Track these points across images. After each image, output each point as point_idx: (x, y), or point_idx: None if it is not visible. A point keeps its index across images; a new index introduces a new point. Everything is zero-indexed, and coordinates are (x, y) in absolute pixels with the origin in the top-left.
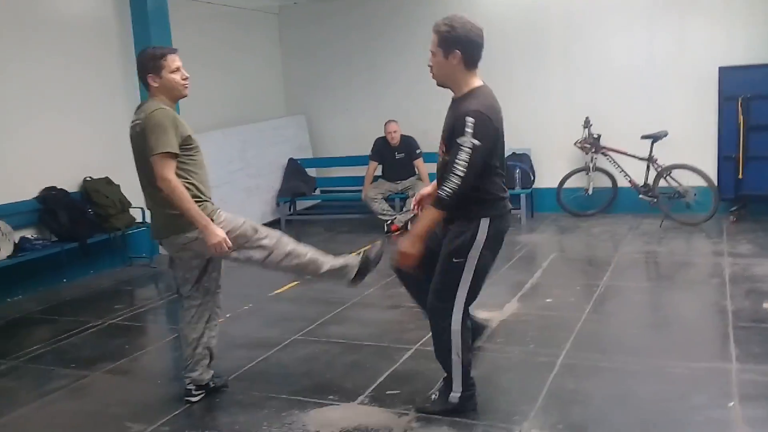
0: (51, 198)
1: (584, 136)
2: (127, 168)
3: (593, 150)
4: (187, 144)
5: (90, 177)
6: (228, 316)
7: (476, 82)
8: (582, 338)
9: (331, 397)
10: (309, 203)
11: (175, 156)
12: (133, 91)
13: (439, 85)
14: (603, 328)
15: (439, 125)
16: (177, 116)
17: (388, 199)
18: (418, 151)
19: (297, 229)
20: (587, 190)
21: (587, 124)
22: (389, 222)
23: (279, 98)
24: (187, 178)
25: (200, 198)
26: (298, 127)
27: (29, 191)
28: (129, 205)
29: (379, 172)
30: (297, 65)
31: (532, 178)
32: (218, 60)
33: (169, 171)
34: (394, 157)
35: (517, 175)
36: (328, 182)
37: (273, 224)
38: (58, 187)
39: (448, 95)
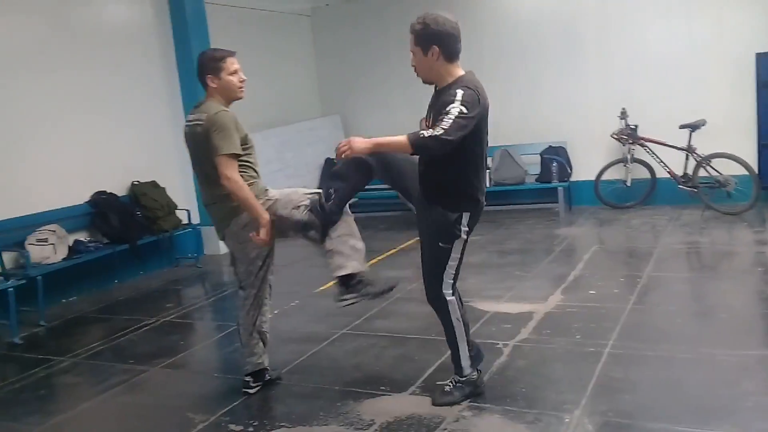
0: (102, 202)
1: (621, 127)
2: (171, 171)
3: (630, 141)
4: (244, 143)
5: (137, 181)
6: (276, 312)
7: (460, 71)
8: (628, 328)
9: (382, 388)
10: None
11: (237, 156)
12: (175, 97)
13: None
14: (648, 318)
15: None
16: (236, 118)
17: None
18: None
19: None
20: (625, 181)
21: (624, 115)
22: None
23: (314, 99)
24: (245, 172)
25: (254, 178)
26: (333, 127)
27: (82, 196)
28: (175, 206)
29: None
30: (330, 66)
31: (569, 171)
32: (254, 63)
33: (233, 170)
34: None
35: (553, 169)
36: None
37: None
38: (108, 191)
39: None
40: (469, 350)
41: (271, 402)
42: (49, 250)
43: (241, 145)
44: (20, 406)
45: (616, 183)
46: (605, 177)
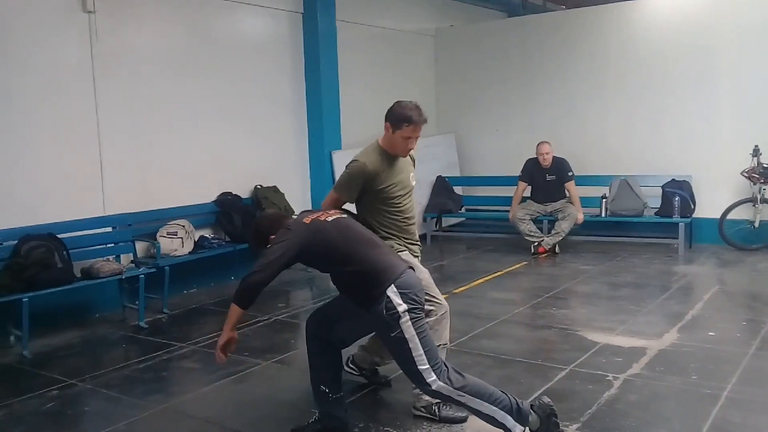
0: (227, 202)
1: (752, 165)
2: (292, 178)
3: (762, 180)
4: (386, 191)
5: (260, 185)
6: None
7: None
8: (749, 373)
9: None
10: (454, 220)
11: (343, 200)
12: (301, 109)
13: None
14: None
15: (594, 148)
16: (373, 172)
17: (536, 221)
18: (570, 174)
19: (441, 245)
20: (753, 222)
21: (756, 152)
22: (536, 243)
23: (430, 117)
24: (376, 219)
25: (391, 235)
26: (447, 145)
27: (209, 195)
28: (292, 212)
29: (527, 193)
30: (450, 85)
31: (692, 207)
32: (377, 79)
33: (330, 203)
34: (545, 178)
35: (675, 203)
36: (474, 201)
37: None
38: (233, 193)
39: (603, 120)
40: (501, 405)
41: (377, 406)
42: (177, 243)
43: (384, 190)
44: (144, 385)
45: (742, 223)
46: (731, 216)
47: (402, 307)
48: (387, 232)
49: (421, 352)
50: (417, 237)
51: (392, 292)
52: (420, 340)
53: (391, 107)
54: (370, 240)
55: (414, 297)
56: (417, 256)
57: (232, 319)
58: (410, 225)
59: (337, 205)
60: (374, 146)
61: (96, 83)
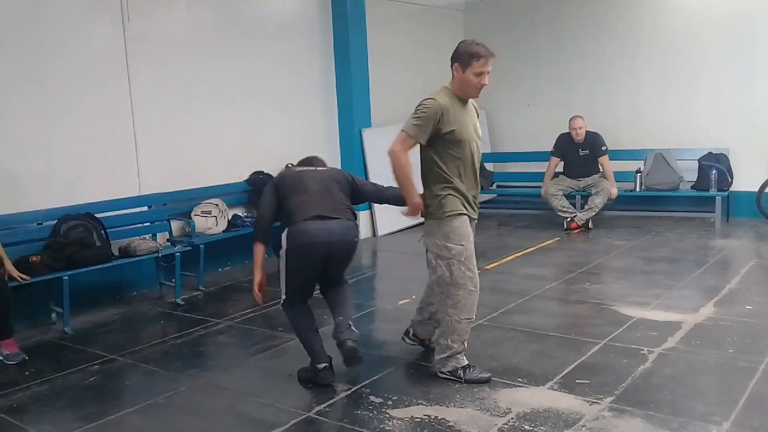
0: (258, 181)
1: None
2: (321, 157)
3: None
4: (454, 134)
5: (291, 164)
6: (413, 297)
7: None
8: None
9: (519, 379)
10: (486, 197)
11: (413, 140)
12: (330, 87)
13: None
14: None
15: (628, 122)
16: (445, 110)
17: (569, 196)
18: (603, 148)
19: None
20: None
21: None
22: (569, 219)
23: None
24: (441, 166)
25: (448, 186)
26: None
27: (241, 174)
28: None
29: (559, 168)
30: None
31: (730, 180)
32: (406, 56)
33: (402, 147)
34: (578, 153)
35: (712, 176)
36: (505, 177)
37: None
38: (265, 172)
39: (637, 93)
40: (307, 347)
41: (409, 380)
42: (211, 221)
43: (453, 133)
44: (181, 360)
45: None
46: None
47: (284, 245)
48: (450, 181)
49: (284, 282)
50: (478, 191)
51: (284, 234)
52: (285, 274)
53: (456, 48)
54: (302, 189)
55: (296, 243)
56: (474, 219)
57: (257, 257)
58: (475, 173)
59: (406, 148)
60: (443, 89)
61: (129, 65)
